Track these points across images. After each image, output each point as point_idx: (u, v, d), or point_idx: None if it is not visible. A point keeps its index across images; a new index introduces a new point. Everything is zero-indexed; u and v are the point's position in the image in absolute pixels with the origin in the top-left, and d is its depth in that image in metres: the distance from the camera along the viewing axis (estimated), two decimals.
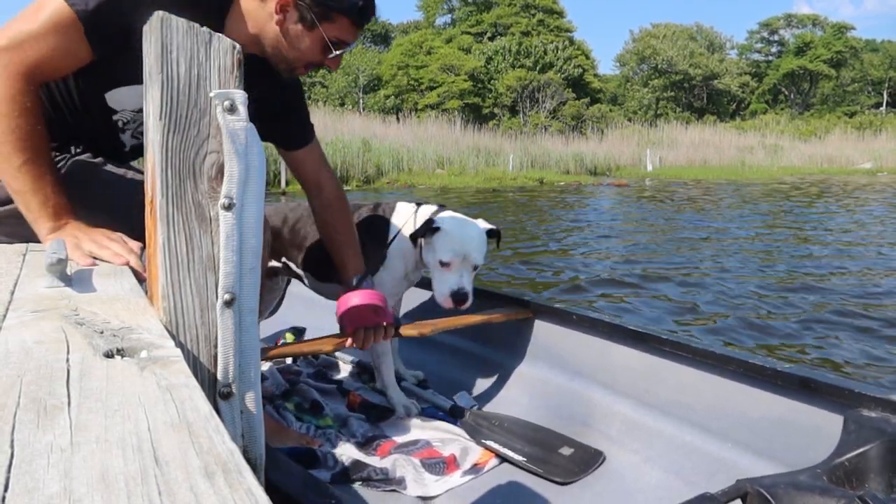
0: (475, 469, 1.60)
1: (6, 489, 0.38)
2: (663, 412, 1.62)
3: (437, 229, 1.74)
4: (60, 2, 1.07)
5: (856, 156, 27.85)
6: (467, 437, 1.71)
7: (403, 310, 2.25)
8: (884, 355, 3.20)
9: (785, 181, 19.37)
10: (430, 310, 2.22)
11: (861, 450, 1.13)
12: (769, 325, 3.72)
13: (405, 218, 1.87)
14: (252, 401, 0.83)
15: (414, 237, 1.79)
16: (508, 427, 1.73)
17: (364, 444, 1.70)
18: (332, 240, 1.66)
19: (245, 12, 1.27)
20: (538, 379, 1.95)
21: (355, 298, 1.57)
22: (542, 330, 2.00)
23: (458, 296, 1.74)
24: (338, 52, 1.32)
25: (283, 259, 2.02)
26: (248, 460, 0.73)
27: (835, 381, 1.29)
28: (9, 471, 0.40)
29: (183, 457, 0.43)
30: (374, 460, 1.61)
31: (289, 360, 2.26)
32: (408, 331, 1.83)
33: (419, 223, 1.82)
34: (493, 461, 1.63)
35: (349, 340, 1.67)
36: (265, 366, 2.16)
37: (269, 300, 2.26)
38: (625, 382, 1.73)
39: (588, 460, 1.59)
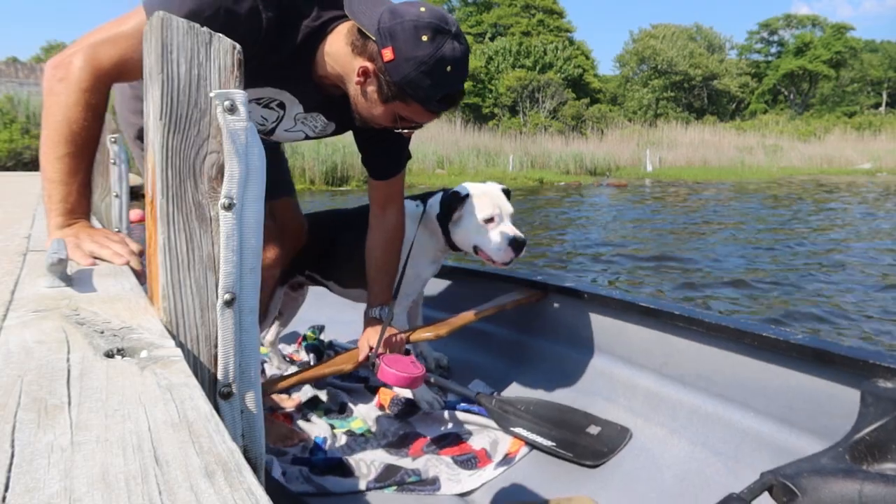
0: (507, 460, 1.60)
1: (7, 489, 0.38)
2: (684, 384, 1.62)
3: (467, 196, 1.77)
4: (143, 14, 1.11)
5: (855, 156, 27.84)
6: (495, 426, 1.70)
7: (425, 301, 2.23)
8: None
9: (784, 181, 19.37)
10: (450, 299, 2.20)
11: (880, 423, 1.13)
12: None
13: (414, 219, 1.85)
14: (252, 400, 0.83)
15: (446, 215, 1.79)
16: (535, 411, 1.72)
17: (396, 445, 1.69)
18: (371, 263, 1.68)
19: (337, 52, 1.28)
20: (557, 357, 1.95)
21: (395, 375, 1.51)
22: (556, 309, 2.00)
23: (516, 242, 1.74)
24: (404, 130, 1.34)
25: (307, 272, 2.02)
26: (249, 460, 0.73)
27: (849, 352, 1.28)
28: (9, 470, 0.40)
29: (183, 456, 0.43)
30: (406, 462, 1.60)
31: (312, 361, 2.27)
32: (423, 334, 1.82)
33: (432, 213, 1.83)
34: (524, 449, 1.63)
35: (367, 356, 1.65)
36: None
37: (292, 312, 2.27)
38: (643, 357, 1.73)
39: (616, 438, 1.59)
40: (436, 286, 2.28)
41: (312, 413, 1.88)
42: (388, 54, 1.18)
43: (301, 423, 1.84)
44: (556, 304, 2.00)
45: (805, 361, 1.36)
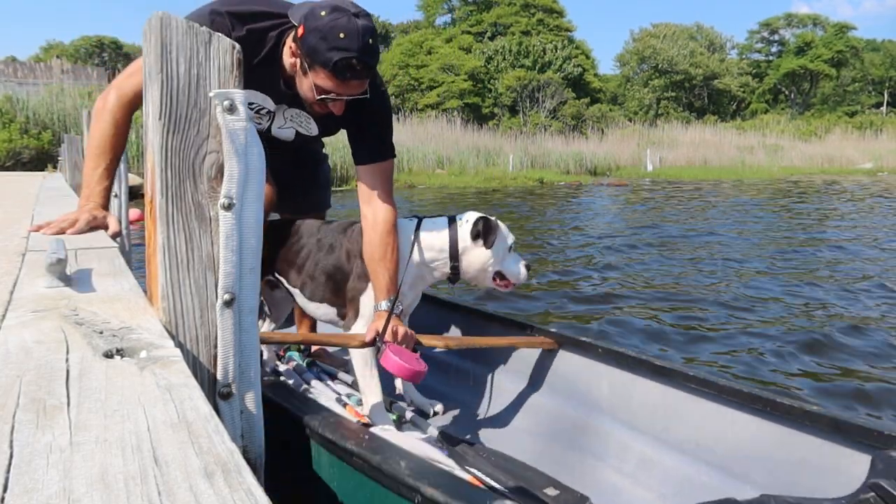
0: None
1: (5, 489, 0.38)
2: (682, 451, 1.59)
3: (497, 225, 1.84)
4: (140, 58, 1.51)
5: (856, 156, 27.82)
6: (453, 463, 1.64)
7: (431, 328, 2.20)
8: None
9: (785, 181, 19.37)
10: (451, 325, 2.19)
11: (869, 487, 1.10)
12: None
13: (408, 234, 1.84)
14: (252, 401, 0.83)
15: (484, 239, 1.83)
16: (495, 461, 1.71)
17: None
18: (370, 258, 1.75)
19: (286, 52, 1.57)
20: (556, 410, 1.93)
21: (398, 364, 1.59)
22: (566, 361, 1.97)
23: (528, 267, 1.91)
24: (319, 97, 1.54)
25: (275, 274, 2.01)
26: (248, 460, 0.73)
27: (865, 423, 1.27)
28: (8, 471, 0.40)
29: (182, 457, 0.43)
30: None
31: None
32: (432, 341, 1.82)
33: (430, 237, 1.84)
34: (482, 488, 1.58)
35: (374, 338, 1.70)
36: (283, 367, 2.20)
37: (284, 309, 2.25)
38: (645, 419, 1.71)
39: (572, 503, 1.56)
40: (449, 324, 2.23)
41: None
42: (300, 31, 1.48)
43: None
44: (564, 355, 1.98)
45: (817, 430, 1.33)
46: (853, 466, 1.25)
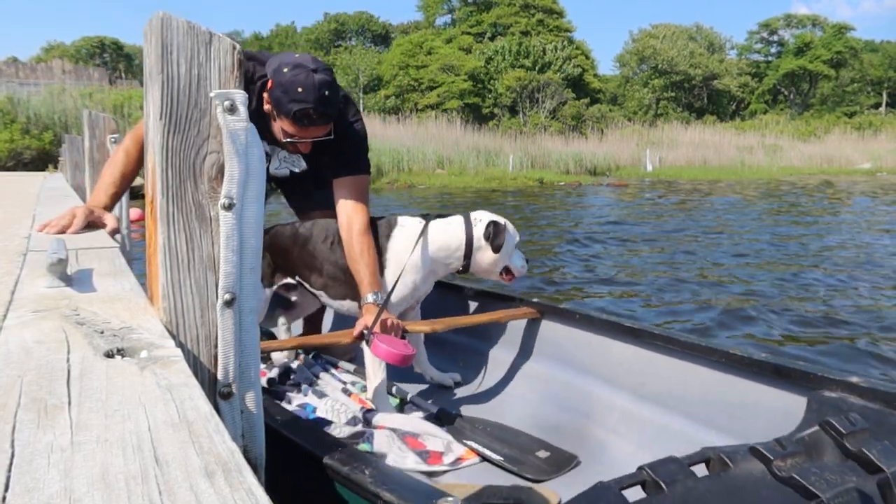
0: (456, 463, 1.70)
1: (7, 489, 0.38)
2: (656, 403, 1.77)
3: (504, 226, 1.99)
4: None
5: (855, 156, 27.81)
6: (451, 437, 1.80)
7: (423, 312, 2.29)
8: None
9: (784, 181, 19.38)
10: (450, 314, 2.24)
11: (818, 427, 1.22)
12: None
13: (414, 232, 1.92)
14: (252, 400, 0.83)
15: (495, 239, 1.95)
16: (490, 431, 1.85)
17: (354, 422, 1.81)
18: (349, 257, 1.89)
19: (264, 96, 1.78)
20: (544, 376, 2.07)
21: (387, 351, 1.67)
22: (549, 329, 2.11)
23: (527, 261, 2.08)
24: (285, 140, 1.78)
25: (297, 278, 2.06)
26: (249, 460, 0.73)
27: (802, 367, 1.47)
28: (9, 470, 0.40)
29: (183, 456, 0.43)
30: (367, 434, 1.70)
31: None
32: (419, 327, 1.93)
33: (445, 236, 1.93)
34: (475, 459, 1.73)
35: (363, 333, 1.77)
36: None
37: (299, 312, 2.31)
38: (623, 377, 1.88)
39: (562, 462, 1.72)
40: (438, 302, 2.31)
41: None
42: (269, 83, 1.72)
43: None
44: (548, 323, 2.12)
45: (765, 376, 1.53)
46: (794, 406, 1.44)
